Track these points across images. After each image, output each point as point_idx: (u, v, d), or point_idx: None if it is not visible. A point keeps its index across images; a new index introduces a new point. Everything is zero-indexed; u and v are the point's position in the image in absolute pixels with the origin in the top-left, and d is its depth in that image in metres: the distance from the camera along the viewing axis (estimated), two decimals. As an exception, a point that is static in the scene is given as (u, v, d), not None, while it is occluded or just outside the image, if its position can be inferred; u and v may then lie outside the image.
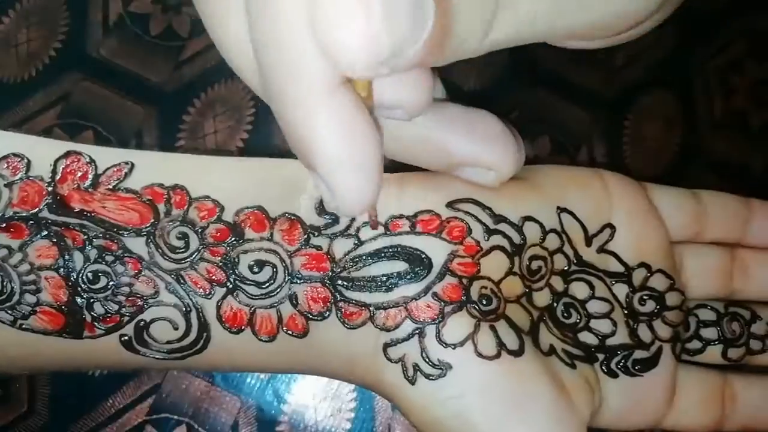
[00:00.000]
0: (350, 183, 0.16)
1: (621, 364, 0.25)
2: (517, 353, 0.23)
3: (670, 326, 0.26)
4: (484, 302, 0.23)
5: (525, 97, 0.35)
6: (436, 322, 0.22)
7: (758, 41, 0.37)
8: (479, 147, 0.21)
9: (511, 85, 0.35)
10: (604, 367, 0.25)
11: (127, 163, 0.22)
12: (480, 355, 0.22)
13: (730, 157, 0.35)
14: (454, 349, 0.22)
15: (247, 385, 0.30)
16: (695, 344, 0.27)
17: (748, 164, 0.35)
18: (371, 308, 0.22)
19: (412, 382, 0.22)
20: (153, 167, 0.23)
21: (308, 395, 0.31)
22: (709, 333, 0.27)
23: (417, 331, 0.22)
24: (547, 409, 0.23)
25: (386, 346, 0.23)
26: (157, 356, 0.22)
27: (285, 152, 0.33)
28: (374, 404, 0.31)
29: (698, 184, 0.35)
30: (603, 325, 0.25)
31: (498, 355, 0.22)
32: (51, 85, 0.33)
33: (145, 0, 0.34)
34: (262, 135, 0.33)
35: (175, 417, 0.30)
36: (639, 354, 0.25)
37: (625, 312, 0.25)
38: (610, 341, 0.25)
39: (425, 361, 0.22)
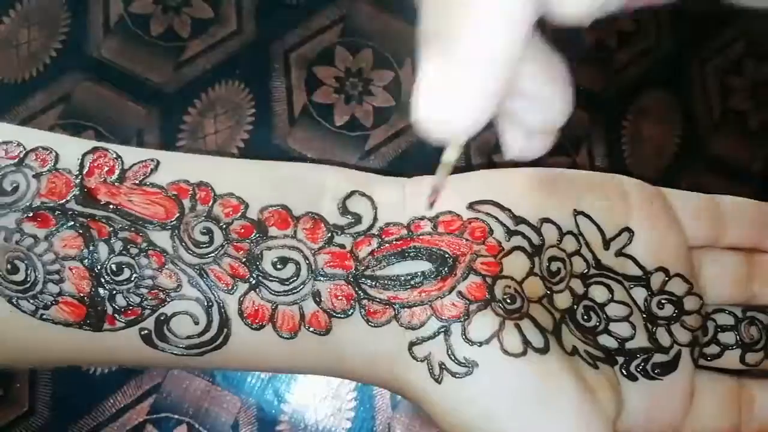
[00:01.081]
0: (480, 75, 0.13)
1: (641, 367, 0.25)
2: (543, 351, 0.23)
3: (689, 330, 0.26)
4: (509, 301, 0.23)
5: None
6: (462, 320, 0.22)
7: (757, 42, 0.37)
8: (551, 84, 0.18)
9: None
10: (623, 370, 0.25)
11: (152, 160, 0.22)
12: (506, 352, 0.22)
13: (729, 157, 0.35)
14: (480, 346, 0.22)
15: (247, 384, 0.30)
16: (713, 349, 0.27)
17: (746, 164, 0.35)
18: (396, 306, 0.23)
19: (439, 380, 0.22)
20: (178, 165, 0.23)
21: (308, 395, 0.31)
22: (727, 338, 0.27)
23: (443, 329, 0.22)
24: (574, 406, 0.23)
25: (412, 344, 0.23)
26: (175, 351, 0.22)
27: (285, 152, 0.33)
28: (374, 404, 0.31)
29: (697, 183, 0.35)
30: (622, 329, 0.25)
31: (524, 353, 0.22)
32: (52, 85, 0.33)
33: (145, 0, 0.34)
34: (262, 135, 0.33)
35: (176, 416, 0.30)
36: (658, 358, 0.25)
37: (644, 316, 0.25)
38: (629, 344, 0.25)
39: (451, 359, 0.22)
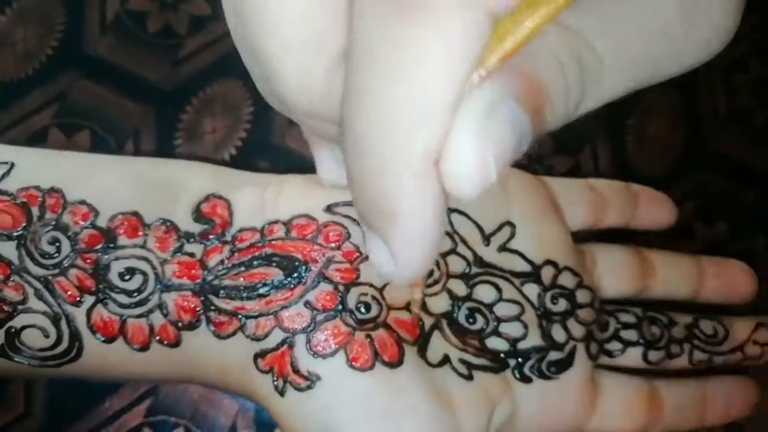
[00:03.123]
0: (418, 257, 0.14)
1: (535, 367, 0.24)
2: (395, 365, 0.22)
3: (582, 325, 0.25)
4: (363, 310, 0.22)
5: (527, 96, 0.35)
6: (307, 330, 0.22)
7: (763, 40, 0.37)
8: None
9: (512, 84, 0.35)
10: (517, 373, 0.24)
11: (6, 163, 0.22)
12: (352, 366, 0.22)
13: (734, 155, 0.35)
14: (324, 359, 0.22)
15: (245, 387, 0.30)
16: (615, 345, 0.27)
17: (752, 162, 0.35)
18: (241, 317, 0.22)
19: (282, 393, 0.22)
20: (32, 169, 0.22)
21: (308, 397, 0.31)
22: (629, 335, 0.27)
23: (287, 341, 0.22)
24: (420, 423, 0.22)
25: (256, 356, 0.22)
26: (33, 363, 0.21)
27: (283, 151, 0.33)
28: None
29: (702, 182, 0.34)
30: (513, 329, 0.24)
31: (372, 367, 0.22)
32: (48, 83, 0.33)
33: (142, -2, 0.34)
34: (261, 134, 0.33)
35: (173, 419, 0.30)
36: (553, 356, 0.24)
37: (539, 313, 0.25)
38: (521, 345, 0.24)
39: (294, 371, 0.22)
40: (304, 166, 0.32)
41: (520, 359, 0.24)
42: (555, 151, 0.34)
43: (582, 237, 0.29)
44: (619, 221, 0.29)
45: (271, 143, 0.33)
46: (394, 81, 0.11)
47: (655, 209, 0.29)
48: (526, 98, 0.12)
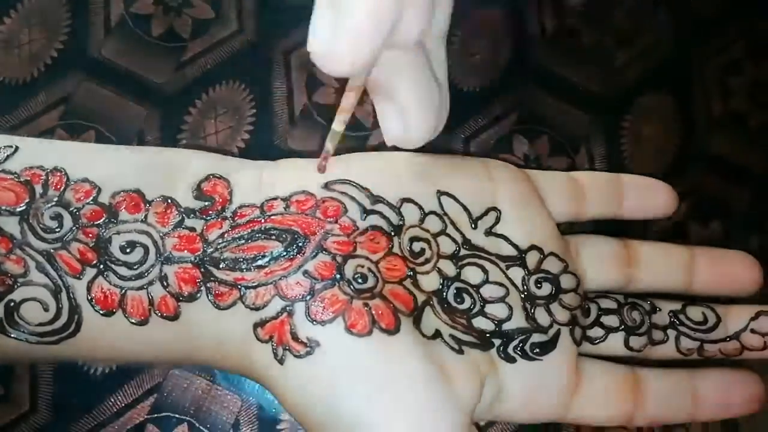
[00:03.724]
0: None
1: (519, 348, 0.25)
2: (392, 332, 0.22)
3: (567, 309, 0.26)
4: (360, 280, 0.23)
5: (525, 97, 0.35)
6: (306, 299, 0.22)
7: (757, 42, 0.37)
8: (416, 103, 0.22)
9: (511, 85, 0.35)
10: (501, 353, 0.24)
11: (10, 147, 0.22)
12: (350, 332, 0.22)
13: (729, 157, 0.35)
14: (323, 326, 0.22)
15: (248, 383, 0.30)
16: (597, 332, 0.27)
17: (747, 165, 0.35)
18: (241, 288, 0.22)
19: (281, 361, 0.22)
20: (36, 151, 0.23)
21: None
22: (611, 321, 0.27)
23: (286, 309, 0.22)
24: (420, 392, 0.22)
25: (256, 325, 0.22)
26: (30, 339, 0.22)
27: (285, 152, 0.33)
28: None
29: (697, 184, 0.35)
30: (498, 310, 0.25)
31: (370, 333, 0.22)
32: (53, 86, 0.33)
33: (146, 1, 0.34)
34: (263, 136, 0.33)
35: (177, 416, 0.30)
36: (537, 338, 0.25)
37: (523, 296, 0.25)
38: (506, 326, 0.25)
39: (293, 338, 0.22)
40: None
41: (504, 339, 0.25)
42: (551, 153, 0.34)
43: (573, 231, 0.30)
44: (604, 212, 0.28)
45: (273, 144, 0.33)
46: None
47: (644, 199, 0.29)
48: None
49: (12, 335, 0.22)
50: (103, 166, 0.23)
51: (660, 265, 0.28)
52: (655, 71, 0.36)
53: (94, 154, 0.23)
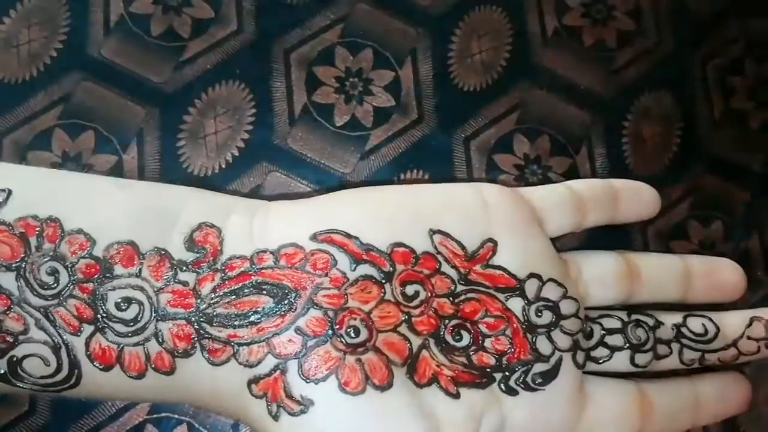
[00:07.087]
0: None
1: (521, 380, 0.24)
2: (385, 387, 0.23)
3: (568, 335, 0.26)
4: (352, 334, 0.23)
5: (525, 97, 0.35)
6: (299, 356, 0.22)
7: (757, 42, 0.37)
8: None
9: (511, 85, 0.35)
10: (503, 386, 0.24)
11: (3, 191, 0.22)
12: (344, 390, 0.22)
13: (729, 157, 0.35)
14: (317, 384, 0.22)
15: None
16: (602, 351, 0.27)
17: (748, 164, 0.35)
18: (234, 345, 0.22)
19: (276, 418, 0.22)
20: (30, 195, 0.22)
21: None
22: (615, 340, 0.27)
23: (279, 367, 0.22)
24: None
25: (250, 382, 0.22)
26: (35, 389, 0.22)
27: (284, 152, 0.33)
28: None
29: (697, 184, 0.35)
30: (499, 343, 0.25)
31: (363, 390, 0.22)
32: (52, 85, 0.33)
33: (145, 0, 0.34)
34: (263, 135, 0.33)
35: (176, 416, 0.30)
36: (539, 367, 0.25)
37: (524, 326, 0.25)
38: (506, 358, 0.25)
39: (288, 397, 0.22)
40: (305, 166, 0.33)
41: (506, 373, 0.24)
42: (552, 153, 0.34)
43: (573, 237, 0.30)
44: (602, 220, 0.28)
45: (273, 144, 0.33)
46: None
47: (635, 203, 0.29)
48: None
49: (17, 386, 0.22)
50: (98, 211, 0.23)
51: (659, 279, 0.28)
52: (655, 71, 0.36)
53: (89, 196, 0.23)
